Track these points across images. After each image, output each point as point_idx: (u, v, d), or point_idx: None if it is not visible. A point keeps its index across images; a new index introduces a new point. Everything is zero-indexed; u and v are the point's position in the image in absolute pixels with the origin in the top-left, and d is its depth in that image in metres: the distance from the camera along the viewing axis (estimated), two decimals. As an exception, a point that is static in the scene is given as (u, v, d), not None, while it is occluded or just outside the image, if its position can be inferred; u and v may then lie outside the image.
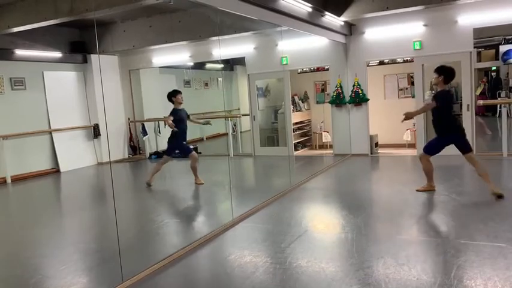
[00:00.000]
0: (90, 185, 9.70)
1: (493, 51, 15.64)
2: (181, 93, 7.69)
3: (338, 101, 9.87)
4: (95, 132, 11.25)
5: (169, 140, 7.77)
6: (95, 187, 9.48)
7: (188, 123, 7.83)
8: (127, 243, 4.63)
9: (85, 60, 11.12)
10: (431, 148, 6.07)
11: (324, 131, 11.05)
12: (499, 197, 5.47)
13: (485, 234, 4.32)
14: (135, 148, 12.22)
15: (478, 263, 3.65)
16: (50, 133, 10.46)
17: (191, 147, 8.23)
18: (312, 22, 7.66)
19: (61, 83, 10.80)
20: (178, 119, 7.52)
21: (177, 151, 7.86)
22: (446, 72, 5.79)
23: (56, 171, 10.40)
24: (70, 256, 4.64)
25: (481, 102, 9.20)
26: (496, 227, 4.55)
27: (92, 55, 11.01)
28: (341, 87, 9.81)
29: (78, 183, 9.64)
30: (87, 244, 5.18)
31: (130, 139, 12.11)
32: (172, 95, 7.64)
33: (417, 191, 6.14)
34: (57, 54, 10.46)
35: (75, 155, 10.85)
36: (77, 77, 11.20)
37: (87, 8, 6.49)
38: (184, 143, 7.79)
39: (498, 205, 5.35)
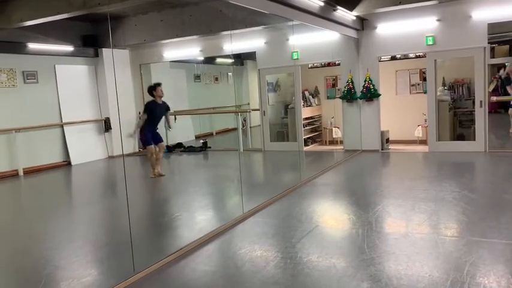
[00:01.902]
0: (101, 178, 9.77)
1: (507, 46, 15.43)
2: (160, 85, 7.80)
3: (349, 96, 9.80)
4: (106, 125, 11.31)
5: (143, 131, 7.87)
6: (106, 180, 9.55)
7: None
8: (138, 236, 4.66)
9: (96, 54, 11.18)
10: None
11: (335, 127, 11.00)
12: None
13: (498, 232, 4.28)
14: (145, 142, 12.26)
15: (491, 260, 3.61)
16: (62, 126, 10.55)
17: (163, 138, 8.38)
18: (323, 16, 7.60)
19: (73, 76, 10.88)
20: (153, 113, 7.67)
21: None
22: None
23: (67, 164, 10.49)
24: (82, 248, 4.68)
25: (494, 98, 9.08)
26: (509, 224, 4.50)
27: (103, 49, 11.06)
28: (352, 82, 9.74)
29: (89, 176, 9.71)
30: (99, 236, 5.22)
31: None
32: (153, 89, 7.77)
33: None
34: (69, 48, 10.53)
35: (86, 148, 10.94)
36: (89, 70, 11.26)
37: (99, 2, 6.50)
38: (156, 131, 7.97)
39: (511, 202, 5.29)
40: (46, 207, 6.79)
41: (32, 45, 9.66)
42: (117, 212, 6.20)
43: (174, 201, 6.90)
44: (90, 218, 6.12)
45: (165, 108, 8.01)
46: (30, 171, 9.63)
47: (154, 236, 4.99)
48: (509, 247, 3.90)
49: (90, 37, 10.89)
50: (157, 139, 8.00)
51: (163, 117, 8.14)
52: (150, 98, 7.98)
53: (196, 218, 5.74)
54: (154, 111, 7.77)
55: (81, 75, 11.10)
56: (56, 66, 10.44)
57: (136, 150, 11.95)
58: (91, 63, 11.26)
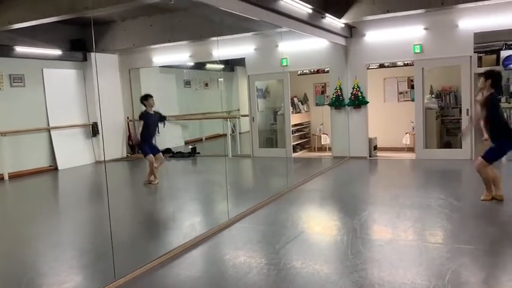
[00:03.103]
0: (87, 184, 9.68)
1: (494, 56, 15.64)
2: (152, 97, 8.02)
3: (337, 103, 9.84)
4: (94, 130, 11.23)
5: (142, 142, 7.91)
6: (92, 185, 9.45)
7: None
8: (122, 241, 4.62)
9: (85, 58, 11.12)
10: (493, 156, 5.49)
11: (323, 133, 11.03)
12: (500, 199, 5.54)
13: (481, 239, 4.31)
14: (133, 147, 12.18)
15: (473, 267, 3.64)
16: (49, 130, 10.45)
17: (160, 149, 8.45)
18: (312, 24, 7.65)
19: (60, 80, 10.80)
20: (149, 122, 7.81)
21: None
22: (494, 76, 5.43)
23: (53, 168, 10.38)
24: (64, 254, 4.62)
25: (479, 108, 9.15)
26: (491, 233, 4.55)
27: (92, 53, 11.00)
28: (341, 89, 9.79)
29: (75, 181, 9.62)
30: (82, 242, 5.17)
31: (129, 138, 12.08)
32: (144, 99, 7.99)
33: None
34: (57, 52, 10.44)
35: (73, 153, 10.84)
36: (77, 75, 11.19)
37: (87, 6, 6.47)
38: (153, 143, 8.08)
39: (494, 211, 5.33)
40: (31, 212, 6.69)
41: (20, 49, 9.57)
42: (102, 217, 6.12)
43: (160, 206, 6.86)
44: (75, 223, 6.05)
45: (159, 117, 8.15)
46: (16, 176, 9.50)
47: (138, 242, 4.95)
48: (490, 254, 3.93)
49: (79, 41, 10.82)
50: (155, 150, 8.04)
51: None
52: (142, 105, 8.07)
53: (181, 224, 5.70)
54: (147, 120, 7.88)
55: (69, 79, 11.03)
56: (43, 69, 10.36)
57: (125, 155, 11.88)
58: (79, 67, 11.20)
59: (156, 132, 8.12)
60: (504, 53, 14.93)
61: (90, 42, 10.83)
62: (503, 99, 13.38)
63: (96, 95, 10.93)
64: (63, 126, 10.68)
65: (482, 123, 5.57)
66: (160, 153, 8.16)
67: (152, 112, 7.95)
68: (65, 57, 10.71)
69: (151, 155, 7.82)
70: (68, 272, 4.11)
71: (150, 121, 7.90)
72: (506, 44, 14.51)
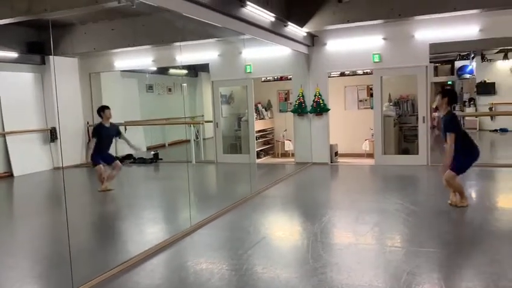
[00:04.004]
0: (44, 190, 9.37)
1: (449, 66, 16.40)
2: (109, 108, 7.73)
3: (300, 110, 10.00)
4: (52, 135, 10.89)
5: (94, 152, 7.60)
6: (48, 192, 9.15)
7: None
8: (80, 249, 4.52)
9: (43, 62, 10.79)
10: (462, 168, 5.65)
11: (287, 140, 11.16)
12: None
13: (435, 242, 4.49)
14: (94, 153, 11.90)
15: (427, 268, 3.78)
16: (4, 136, 10.05)
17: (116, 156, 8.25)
18: (275, 32, 7.75)
19: (17, 84, 10.43)
20: (100, 136, 7.53)
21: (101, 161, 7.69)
22: (450, 94, 5.70)
23: (9, 175, 9.99)
24: (20, 263, 4.47)
25: (435, 114, 9.56)
26: (445, 235, 4.74)
27: (50, 56, 10.70)
28: (303, 96, 9.95)
29: (31, 188, 9.29)
30: (38, 251, 5.00)
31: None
32: (101, 110, 7.69)
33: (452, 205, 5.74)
34: (13, 55, 10.08)
35: (30, 159, 10.47)
36: (35, 78, 10.85)
37: (45, 8, 6.31)
38: (107, 153, 7.79)
39: (447, 215, 5.55)
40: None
41: (-28, 51, 9.21)
42: (59, 225, 5.96)
43: (120, 214, 6.74)
44: (31, 231, 5.84)
45: (116, 131, 7.81)
46: (-33, 183, 9.10)
47: (97, 250, 4.85)
48: (443, 256, 4.10)
49: (36, 44, 10.50)
50: (109, 159, 7.77)
51: (120, 140, 8.01)
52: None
53: (141, 231, 5.62)
54: (101, 134, 7.57)
55: (26, 83, 10.67)
56: (-2, 72, 10.00)
57: (84, 161, 11.57)
58: (37, 70, 10.85)
59: (110, 146, 7.83)
60: (458, 63, 15.65)
61: (49, 45, 10.53)
62: (457, 107, 14.04)
63: (55, 100, 10.63)
64: (19, 131, 10.30)
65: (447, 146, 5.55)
66: (117, 161, 7.86)
67: (108, 125, 7.63)
68: (22, 60, 10.36)
69: (100, 166, 7.52)
70: (23, 282, 3.98)
71: (105, 135, 7.59)
72: (460, 55, 15.20)
